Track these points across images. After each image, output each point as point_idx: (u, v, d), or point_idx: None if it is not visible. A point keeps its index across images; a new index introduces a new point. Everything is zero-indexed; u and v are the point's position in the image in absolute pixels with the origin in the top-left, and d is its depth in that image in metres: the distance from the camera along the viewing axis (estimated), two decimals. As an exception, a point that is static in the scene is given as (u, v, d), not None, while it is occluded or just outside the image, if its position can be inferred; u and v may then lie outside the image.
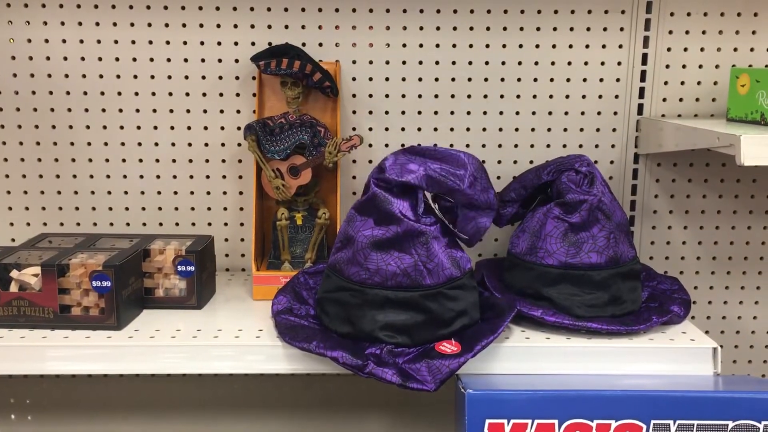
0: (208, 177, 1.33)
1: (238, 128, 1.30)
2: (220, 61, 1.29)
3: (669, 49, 1.31)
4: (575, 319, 1.07)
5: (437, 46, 1.30)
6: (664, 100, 1.33)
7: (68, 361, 1.02)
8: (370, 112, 1.32)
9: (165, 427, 1.40)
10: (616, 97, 1.33)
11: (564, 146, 1.34)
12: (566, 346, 1.05)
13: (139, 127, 1.31)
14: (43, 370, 1.03)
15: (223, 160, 1.33)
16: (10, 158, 1.31)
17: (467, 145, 1.33)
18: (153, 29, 1.27)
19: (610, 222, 1.11)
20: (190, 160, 1.32)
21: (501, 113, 1.33)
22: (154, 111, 1.30)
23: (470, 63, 1.31)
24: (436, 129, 1.32)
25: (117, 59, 1.28)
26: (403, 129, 1.32)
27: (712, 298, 1.41)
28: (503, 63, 1.31)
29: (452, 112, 1.32)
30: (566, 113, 1.33)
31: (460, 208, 1.05)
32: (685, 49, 1.32)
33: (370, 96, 1.31)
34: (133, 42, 1.28)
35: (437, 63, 1.30)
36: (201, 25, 1.28)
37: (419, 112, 1.32)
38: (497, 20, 1.29)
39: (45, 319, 1.06)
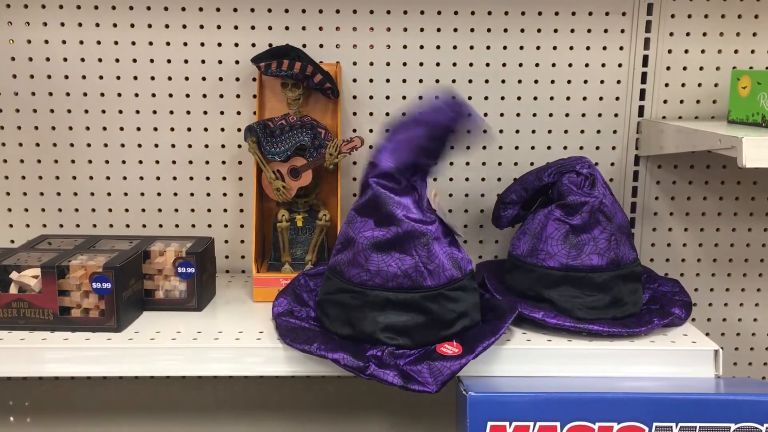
0: (208, 178, 1.33)
1: (239, 130, 1.30)
2: (220, 62, 1.29)
3: (670, 51, 1.31)
4: (576, 321, 1.07)
5: (438, 47, 1.30)
6: (665, 101, 1.33)
7: (68, 363, 1.02)
8: (371, 114, 1.32)
9: (165, 430, 1.40)
10: (617, 98, 1.33)
11: (565, 148, 1.34)
12: (567, 348, 1.05)
13: (139, 129, 1.30)
14: (42, 372, 1.03)
15: (224, 162, 1.32)
16: (9, 159, 1.31)
17: (467, 147, 1.33)
18: (153, 30, 1.27)
19: (611, 224, 1.11)
20: (190, 162, 1.32)
21: (502, 115, 1.33)
22: (154, 112, 1.30)
23: (471, 64, 1.31)
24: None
25: (117, 60, 1.28)
26: (403, 130, 1.32)
27: (712, 300, 1.41)
28: (504, 65, 1.31)
29: (453, 114, 1.32)
30: (567, 115, 1.33)
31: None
32: (686, 51, 1.32)
33: (371, 97, 1.31)
34: (133, 43, 1.28)
35: (438, 65, 1.30)
36: (201, 27, 1.27)
37: (420, 114, 1.32)
38: (498, 22, 1.29)
39: (45, 320, 1.06)
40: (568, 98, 1.32)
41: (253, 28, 1.28)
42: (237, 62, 1.29)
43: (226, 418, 1.40)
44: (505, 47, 1.30)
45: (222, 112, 1.31)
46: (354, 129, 1.32)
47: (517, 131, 1.33)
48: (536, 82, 1.32)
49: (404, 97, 1.31)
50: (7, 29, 1.26)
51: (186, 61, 1.28)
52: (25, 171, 1.31)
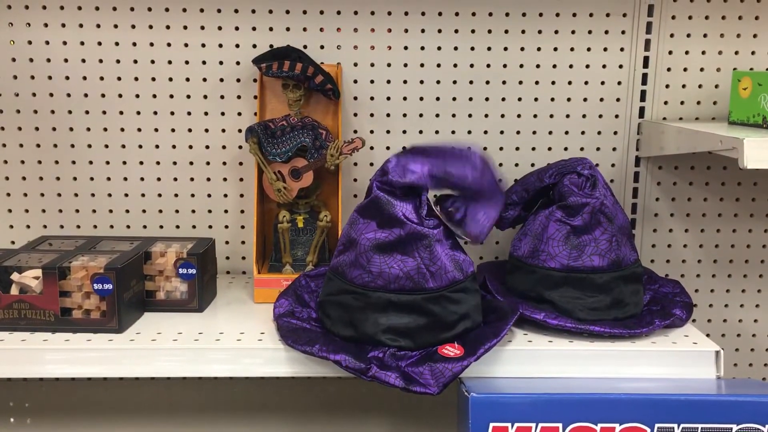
0: (208, 179, 1.33)
1: (239, 130, 1.30)
2: (221, 63, 1.29)
3: (670, 53, 1.31)
4: (577, 322, 1.07)
5: (439, 48, 1.30)
6: (666, 103, 1.33)
7: (68, 364, 1.02)
8: (372, 115, 1.32)
9: (166, 431, 1.40)
10: (618, 100, 1.33)
11: (565, 149, 1.34)
12: (569, 349, 1.05)
13: (139, 129, 1.30)
14: (43, 373, 1.03)
15: (224, 163, 1.32)
16: (10, 160, 1.31)
17: (468, 148, 1.33)
18: (154, 31, 1.27)
19: (612, 225, 1.11)
20: (191, 163, 1.32)
21: (502, 116, 1.33)
22: (155, 113, 1.30)
23: (472, 65, 1.31)
24: (437, 132, 1.33)
25: (118, 61, 1.28)
26: (404, 131, 1.32)
27: (713, 302, 1.41)
28: (505, 66, 1.31)
29: (454, 115, 1.32)
30: (567, 116, 1.33)
31: (468, 203, 1.04)
32: (687, 53, 1.32)
33: (372, 98, 1.31)
34: (134, 44, 1.28)
35: (439, 65, 1.30)
36: (202, 27, 1.27)
37: (421, 115, 1.32)
38: (499, 23, 1.29)
39: (46, 322, 1.06)
40: (568, 99, 1.33)
41: (254, 29, 1.28)
42: (238, 63, 1.29)
43: (228, 419, 1.40)
44: (506, 48, 1.30)
45: (223, 113, 1.31)
46: (355, 130, 1.32)
47: (518, 132, 1.33)
48: (537, 83, 1.32)
49: (405, 98, 1.31)
50: (8, 30, 1.26)
51: (187, 62, 1.28)
52: (25, 172, 1.31)
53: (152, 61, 1.28)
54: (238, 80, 1.29)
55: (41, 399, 1.39)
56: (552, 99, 1.32)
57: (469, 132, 1.33)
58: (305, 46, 1.28)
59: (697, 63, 1.32)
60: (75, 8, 1.26)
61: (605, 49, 1.31)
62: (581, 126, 1.34)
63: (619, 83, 1.32)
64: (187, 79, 1.29)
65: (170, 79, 1.29)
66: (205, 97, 1.30)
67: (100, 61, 1.28)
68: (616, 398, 0.94)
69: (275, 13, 1.27)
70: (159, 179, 1.32)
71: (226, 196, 1.34)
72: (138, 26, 1.27)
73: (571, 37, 1.30)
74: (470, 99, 1.32)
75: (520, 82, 1.32)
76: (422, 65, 1.30)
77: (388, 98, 1.31)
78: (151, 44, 1.28)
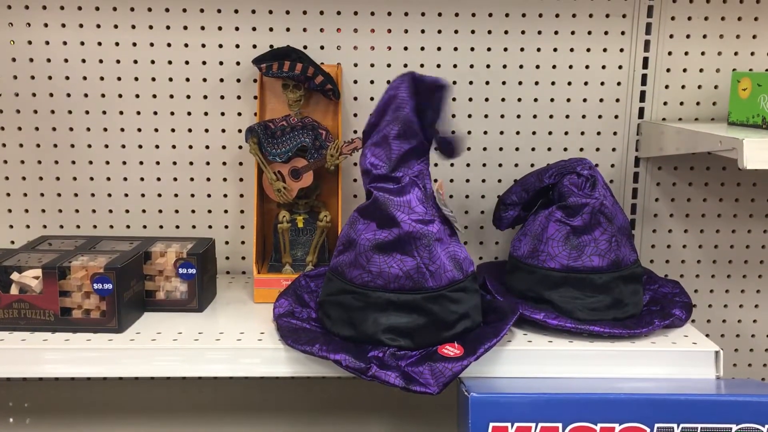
0: (208, 179, 1.33)
1: (239, 131, 1.30)
2: (221, 63, 1.29)
3: (670, 53, 1.32)
4: (577, 323, 1.07)
5: (438, 49, 1.30)
6: (665, 103, 1.33)
7: (68, 364, 1.02)
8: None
9: (165, 431, 1.40)
10: (617, 100, 1.33)
11: (565, 149, 1.34)
12: (568, 349, 1.05)
13: (139, 130, 1.30)
14: (42, 373, 1.03)
15: (224, 163, 1.32)
16: (9, 160, 1.31)
17: (468, 149, 1.33)
18: (154, 31, 1.27)
19: (612, 225, 1.11)
20: (191, 163, 1.32)
21: (502, 116, 1.33)
22: (155, 113, 1.30)
23: (471, 66, 1.31)
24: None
25: (118, 61, 1.28)
26: (404, 132, 1.32)
27: (712, 302, 1.41)
28: (504, 66, 1.31)
29: (453, 115, 1.32)
30: (567, 116, 1.33)
31: (424, 123, 1.04)
32: (686, 53, 1.32)
33: (372, 99, 1.31)
34: (134, 44, 1.28)
35: (438, 66, 1.30)
36: (202, 28, 1.27)
37: (420, 115, 1.32)
38: (499, 24, 1.29)
39: (46, 321, 1.06)
40: (568, 100, 1.33)
41: (254, 29, 1.28)
42: (238, 63, 1.29)
43: (227, 419, 1.40)
44: (505, 49, 1.30)
45: (223, 113, 1.31)
46: (355, 130, 1.32)
47: (518, 132, 1.34)
48: (537, 83, 1.32)
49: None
50: (8, 30, 1.26)
51: (187, 63, 1.28)
52: (25, 172, 1.31)
53: (152, 62, 1.28)
54: (238, 80, 1.30)
55: (41, 399, 1.39)
56: (552, 99, 1.33)
57: (469, 132, 1.33)
58: (305, 47, 1.28)
59: (696, 64, 1.32)
60: (75, 8, 1.26)
61: (605, 50, 1.31)
62: (581, 126, 1.34)
63: (619, 84, 1.32)
64: (187, 80, 1.29)
65: (170, 80, 1.29)
66: (205, 97, 1.30)
67: (100, 61, 1.28)
68: (615, 398, 0.94)
69: (275, 13, 1.28)
70: (159, 179, 1.32)
71: (225, 196, 1.34)
72: (138, 26, 1.27)
73: (571, 38, 1.30)
74: (470, 99, 1.32)
75: (520, 83, 1.32)
76: (422, 66, 1.30)
77: (388, 99, 1.31)
78: (151, 44, 1.28)
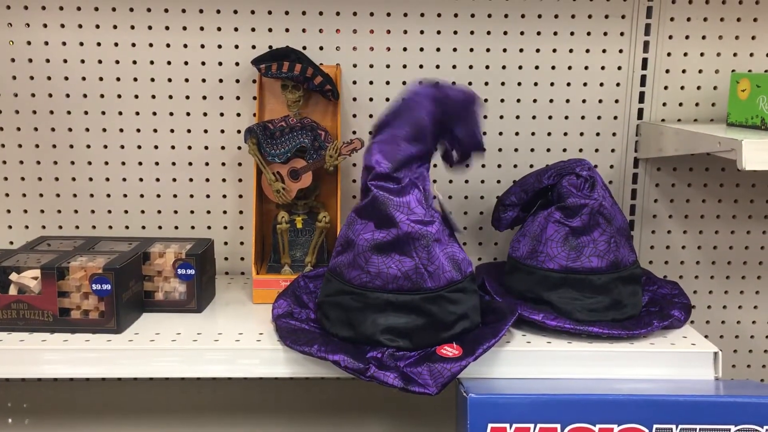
0: (207, 180, 1.33)
1: (238, 131, 1.30)
2: (220, 64, 1.29)
3: (669, 54, 1.32)
4: (576, 323, 1.07)
5: (438, 50, 1.30)
6: (664, 104, 1.34)
7: (67, 364, 1.02)
8: (371, 116, 1.32)
9: None
10: (616, 101, 1.33)
11: (564, 150, 1.34)
12: (567, 350, 1.05)
13: (138, 130, 1.30)
14: (41, 373, 1.02)
15: (223, 163, 1.32)
16: (8, 161, 1.31)
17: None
18: (153, 32, 1.27)
19: (611, 226, 1.11)
20: (190, 163, 1.32)
21: (501, 117, 1.33)
22: (154, 114, 1.30)
23: (471, 67, 1.31)
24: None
25: (117, 62, 1.28)
26: (403, 133, 1.32)
27: (711, 303, 1.41)
28: (504, 67, 1.31)
29: (452, 116, 1.32)
30: (566, 117, 1.33)
31: (449, 132, 1.04)
32: (685, 54, 1.32)
33: (371, 99, 1.31)
34: (134, 45, 1.28)
35: (438, 67, 1.30)
36: (201, 28, 1.27)
37: (420, 116, 1.32)
38: (498, 24, 1.29)
39: (44, 322, 1.06)
40: (567, 101, 1.33)
41: (253, 30, 1.28)
42: (237, 64, 1.29)
43: (226, 420, 1.40)
44: (504, 50, 1.30)
45: (222, 114, 1.31)
46: (354, 131, 1.32)
47: (517, 133, 1.34)
48: (536, 84, 1.32)
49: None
50: (7, 30, 1.26)
51: (186, 63, 1.28)
52: (24, 172, 1.31)
53: (151, 62, 1.28)
54: (237, 81, 1.30)
55: (39, 399, 1.39)
56: (551, 100, 1.33)
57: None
58: (304, 47, 1.28)
59: (695, 65, 1.32)
60: (74, 9, 1.26)
61: (604, 51, 1.31)
62: (580, 127, 1.34)
63: (618, 85, 1.32)
64: (186, 80, 1.29)
65: (169, 80, 1.29)
66: (204, 97, 1.30)
67: (99, 61, 1.28)
68: (614, 399, 0.94)
69: (274, 14, 1.28)
70: (158, 180, 1.32)
71: (225, 196, 1.34)
72: (137, 27, 1.27)
73: (570, 39, 1.30)
74: (469, 100, 1.32)
75: (519, 84, 1.32)
76: (421, 66, 1.30)
77: (387, 99, 1.31)
78: (150, 45, 1.28)
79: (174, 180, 1.32)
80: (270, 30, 1.28)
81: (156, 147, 1.31)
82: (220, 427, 1.40)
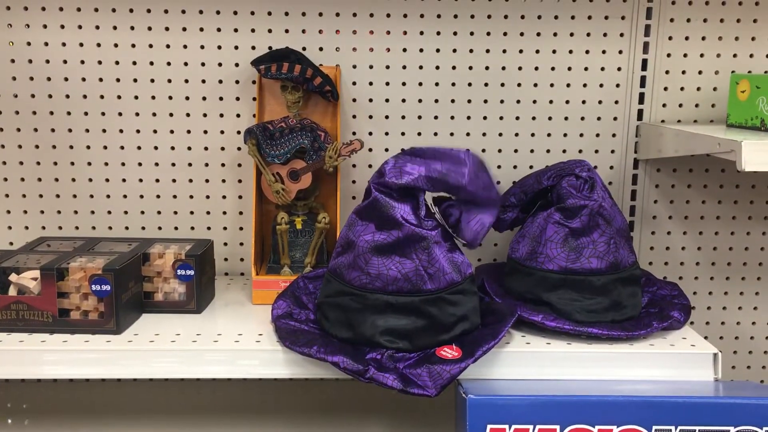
0: (207, 181, 1.33)
1: (238, 132, 1.30)
2: (220, 65, 1.29)
3: (669, 55, 1.32)
4: (576, 325, 1.07)
5: (437, 50, 1.30)
6: (664, 105, 1.34)
7: (66, 365, 1.02)
8: (371, 117, 1.32)
9: (163, 432, 1.40)
10: (616, 102, 1.33)
11: (564, 151, 1.34)
12: (567, 351, 1.05)
13: (138, 131, 1.30)
14: (41, 374, 1.02)
15: (223, 164, 1.32)
16: (8, 161, 1.31)
17: (467, 150, 1.33)
18: (153, 33, 1.27)
19: (611, 227, 1.11)
20: (190, 164, 1.32)
21: (501, 118, 1.33)
22: (154, 115, 1.30)
23: (470, 68, 1.31)
24: (436, 134, 1.33)
25: (117, 63, 1.28)
26: (403, 134, 1.32)
27: (711, 304, 1.41)
28: (503, 68, 1.31)
29: (452, 117, 1.32)
30: (566, 118, 1.33)
31: (463, 206, 1.04)
32: (685, 55, 1.32)
33: (371, 100, 1.31)
34: (133, 45, 1.28)
35: (437, 68, 1.31)
36: (201, 29, 1.27)
37: (419, 117, 1.32)
38: (498, 25, 1.29)
39: (44, 323, 1.06)
40: (567, 102, 1.33)
41: (252, 30, 1.28)
42: (237, 65, 1.29)
43: (225, 421, 1.40)
44: (504, 51, 1.30)
45: (221, 115, 1.31)
46: (353, 132, 1.32)
47: (516, 134, 1.34)
48: (535, 85, 1.32)
49: (404, 100, 1.31)
50: (7, 31, 1.26)
51: (186, 64, 1.28)
52: (24, 173, 1.31)
53: (151, 63, 1.28)
54: (237, 82, 1.30)
55: (39, 400, 1.39)
56: (550, 101, 1.33)
57: (468, 134, 1.33)
58: (304, 48, 1.28)
59: (695, 66, 1.32)
60: (74, 9, 1.26)
61: (604, 52, 1.31)
62: (580, 128, 1.34)
63: (618, 86, 1.32)
64: (186, 81, 1.29)
65: (169, 81, 1.29)
66: (204, 98, 1.30)
67: (99, 62, 1.28)
68: (614, 400, 0.94)
69: (274, 14, 1.28)
70: (157, 180, 1.32)
71: (224, 197, 1.34)
72: (137, 28, 1.27)
73: (570, 40, 1.30)
74: (469, 101, 1.32)
75: (519, 85, 1.32)
76: (421, 67, 1.30)
77: (387, 100, 1.31)
78: (150, 46, 1.28)
79: (174, 181, 1.32)
80: (270, 31, 1.28)
81: (156, 148, 1.31)
82: (219, 427, 1.40)
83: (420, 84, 1.31)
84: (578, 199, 1.11)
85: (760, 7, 1.31)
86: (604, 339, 1.07)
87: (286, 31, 1.28)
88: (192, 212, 1.34)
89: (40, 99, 1.29)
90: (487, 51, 1.30)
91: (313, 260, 1.25)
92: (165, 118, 1.30)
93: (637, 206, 1.37)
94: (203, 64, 1.29)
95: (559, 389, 0.98)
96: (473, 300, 1.05)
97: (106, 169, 1.31)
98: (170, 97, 1.30)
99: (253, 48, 1.28)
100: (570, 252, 1.10)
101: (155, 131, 1.31)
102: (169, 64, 1.28)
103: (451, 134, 1.33)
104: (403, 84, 1.31)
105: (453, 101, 1.32)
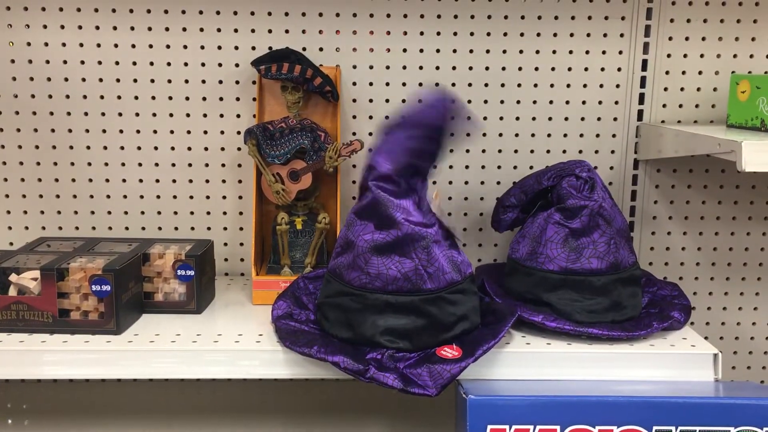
0: (207, 181, 1.33)
1: (238, 132, 1.30)
2: (220, 65, 1.29)
3: (669, 56, 1.32)
4: (576, 325, 1.07)
5: (438, 51, 1.30)
6: (664, 106, 1.34)
7: (66, 365, 1.02)
8: (371, 117, 1.32)
9: (163, 433, 1.40)
10: (616, 102, 1.33)
11: (564, 152, 1.34)
12: (567, 351, 1.05)
13: (138, 131, 1.30)
14: (41, 374, 1.02)
15: (223, 165, 1.32)
16: (8, 162, 1.31)
17: (467, 150, 1.33)
18: (153, 33, 1.27)
19: (611, 227, 1.11)
20: (190, 165, 1.32)
21: (501, 118, 1.33)
22: (154, 115, 1.30)
23: (470, 68, 1.31)
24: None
25: (117, 63, 1.28)
26: (403, 134, 1.32)
27: (711, 304, 1.41)
28: (503, 68, 1.31)
29: (452, 118, 1.32)
30: (566, 119, 1.33)
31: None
32: (685, 56, 1.32)
33: (371, 101, 1.31)
34: (133, 46, 1.28)
35: (438, 68, 1.31)
36: (201, 30, 1.27)
37: (419, 117, 1.32)
38: (498, 26, 1.29)
39: (44, 323, 1.06)
40: (567, 102, 1.33)
41: (253, 31, 1.28)
42: (237, 65, 1.29)
43: (225, 421, 1.40)
44: (504, 51, 1.30)
45: (222, 115, 1.31)
46: (354, 132, 1.32)
47: (517, 135, 1.34)
48: (536, 86, 1.32)
49: (404, 101, 1.31)
50: (7, 31, 1.26)
51: (186, 64, 1.28)
52: (24, 173, 1.31)
53: (151, 63, 1.28)
54: (237, 82, 1.30)
55: (39, 400, 1.39)
56: (550, 102, 1.33)
57: (468, 134, 1.33)
58: (304, 48, 1.28)
59: (695, 66, 1.32)
60: (74, 10, 1.26)
61: (604, 52, 1.31)
62: (580, 128, 1.34)
63: (618, 86, 1.32)
64: (186, 81, 1.29)
65: (169, 81, 1.29)
66: (204, 99, 1.30)
67: (99, 62, 1.28)
68: (614, 401, 0.94)
69: (274, 15, 1.28)
70: (158, 181, 1.32)
71: (224, 197, 1.34)
72: (137, 28, 1.27)
73: (570, 40, 1.30)
74: (469, 101, 1.32)
75: (519, 85, 1.32)
76: (421, 68, 1.30)
77: (387, 100, 1.31)
78: (150, 46, 1.28)
79: (174, 181, 1.32)
80: (270, 31, 1.28)
81: (156, 148, 1.31)
82: (219, 428, 1.40)
83: (420, 84, 1.31)
84: (578, 199, 1.11)
85: (760, 8, 1.31)
86: (604, 339, 1.07)
87: (286, 31, 1.28)
88: (192, 212, 1.34)
89: (40, 99, 1.29)
90: (487, 51, 1.30)
91: (313, 260, 1.25)
92: (165, 119, 1.30)
93: (637, 206, 1.37)
94: (203, 65, 1.29)
95: (560, 389, 0.98)
96: (473, 299, 1.05)
97: (106, 170, 1.31)
98: (170, 98, 1.30)
99: (253, 48, 1.28)
100: (570, 252, 1.10)
101: (155, 131, 1.31)
102: (169, 64, 1.28)
103: (451, 134, 1.32)
104: (403, 84, 1.31)
105: (453, 102, 1.31)
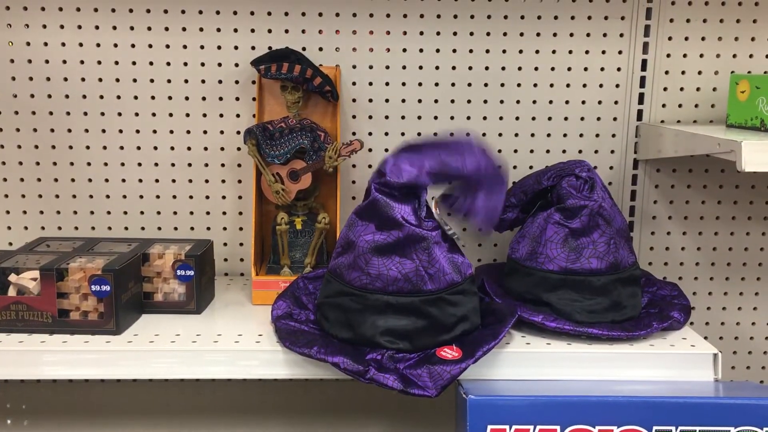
0: (207, 181, 1.33)
1: (238, 132, 1.30)
2: (220, 65, 1.29)
3: (668, 56, 1.32)
4: (576, 325, 1.07)
5: (437, 51, 1.30)
6: (664, 106, 1.34)
7: (66, 365, 1.01)
8: (370, 117, 1.32)
9: (163, 433, 1.40)
10: (616, 102, 1.33)
11: (563, 152, 1.34)
12: (567, 351, 1.05)
13: (138, 131, 1.30)
14: (40, 374, 1.02)
15: (223, 165, 1.32)
16: (8, 162, 1.31)
17: (467, 134, 1.33)
18: (153, 33, 1.27)
19: (611, 227, 1.11)
20: (189, 164, 1.32)
21: (501, 118, 1.33)
22: (154, 115, 1.30)
23: (470, 68, 1.31)
24: (435, 134, 1.32)
25: (116, 63, 1.28)
26: (403, 134, 1.32)
27: (710, 304, 1.41)
28: (503, 68, 1.31)
29: (452, 117, 1.32)
30: (566, 119, 1.33)
31: (470, 192, 1.02)
32: (685, 56, 1.32)
33: (370, 101, 1.31)
34: (133, 46, 1.28)
35: (437, 68, 1.31)
36: (201, 29, 1.27)
37: (419, 117, 1.32)
38: (497, 26, 1.29)
39: (43, 323, 1.05)
40: (567, 102, 1.33)
41: (252, 31, 1.28)
42: (236, 65, 1.29)
43: (225, 422, 1.40)
44: (504, 51, 1.30)
45: (221, 115, 1.31)
46: (353, 132, 1.32)
47: (516, 135, 1.34)
48: (535, 85, 1.32)
49: (403, 101, 1.31)
50: (7, 31, 1.26)
51: (185, 64, 1.28)
52: (23, 173, 1.31)
53: (151, 63, 1.28)
54: (237, 82, 1.30)
55: (39, 401, 1.38)
56: (550, 101, 1.33)
57: (467, 134, 1.33)
58: (304, 48, 1.28)
59: (695, 66, 1.32)
60: (74, 9, 1.26)
61: (603, 52, 1.31)
62: (579, 128, 1.34)
63: (618, 86, 1.32)
64: (186, 81, 1.29)
65: (169, 81, 1.29)
66: (204, 98, 1.30)
67: (99, 62, 1.28)
68: (614, 401, 0.94)
69: (274, 15, 1.28)
70: (157, 181, 1.32)
71: (224, 197, 1.34)
72: (137, 28, 1.27)
73: (570, 40, 1.30)
74: (468, 101, 1.32)
75: (519, 85, 1.32)
76: (421, 67, 1.30)
77: (387, 100, 1.31)
78: (150, 46, 1.28)
79: (173, 181, 1.32)
80: (269, 31, 1.28)
81: (155, 148, 1.31)
82: (219, 427, 1.40)
83: (420, 84, 1.31)
84: (578, 199, 1.11)
85: (760, 8, 1.31)
86: (604, 339, 1.07)
87: (286, 31, 1.28)
88: (192, 212, 1.34)
89: (39, 99, 1.29)
90: (487, 51, 1.30)
91: (313, 260, 1.24)
92: (164, 119, 1.30)
93: (636, 206, 1.37)
94: (203, 65, 1.29)
95: (560, 389, 0.98)
96: (473, 300, 1.05)
97: (106, 170, 1.31)
98: (170, 98, 1.30)
99: (253, 48, 1.28)
100: (570, 252, 1.10)
101: (155, 131, 1.31)
102: (168, 64, 1.28)
103: (451, 135, 1.33)
104: (403, 84, 1.31)
105: (453, 101, 1.32)
